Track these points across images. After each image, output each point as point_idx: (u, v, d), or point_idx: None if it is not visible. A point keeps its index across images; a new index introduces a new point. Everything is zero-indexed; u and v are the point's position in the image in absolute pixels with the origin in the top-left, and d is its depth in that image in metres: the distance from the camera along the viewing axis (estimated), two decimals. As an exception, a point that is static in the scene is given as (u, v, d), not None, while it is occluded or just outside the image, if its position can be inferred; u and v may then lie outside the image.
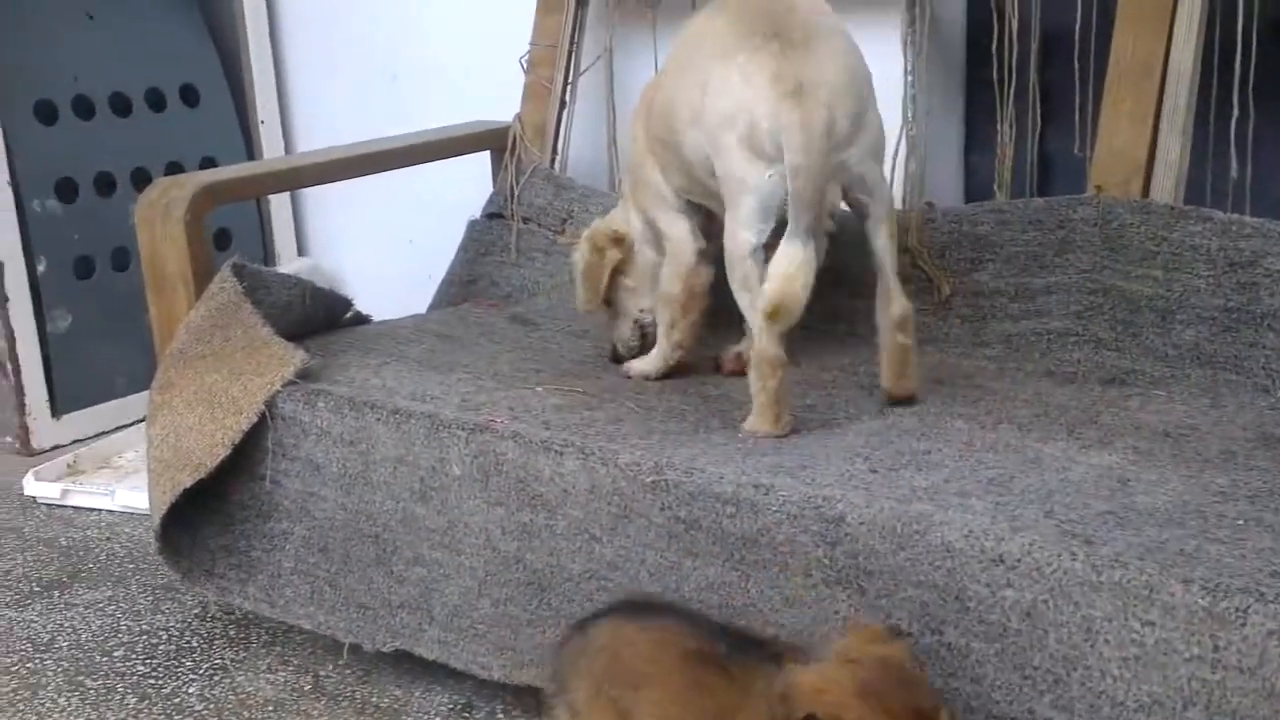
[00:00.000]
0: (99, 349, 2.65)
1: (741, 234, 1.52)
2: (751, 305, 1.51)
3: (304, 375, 1.68)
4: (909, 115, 2.01)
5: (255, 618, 1.81)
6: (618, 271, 1.81)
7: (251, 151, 2.88)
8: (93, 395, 2.65)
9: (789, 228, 1.46)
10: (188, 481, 1.64)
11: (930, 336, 1.81)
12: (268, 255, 2.98)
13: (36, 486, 2.30)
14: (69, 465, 2.41)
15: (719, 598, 1.30)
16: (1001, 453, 1.37)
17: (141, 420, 2.67)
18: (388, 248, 2.87)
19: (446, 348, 1.92)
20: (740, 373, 1.62)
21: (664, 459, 1.36)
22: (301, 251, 3.05)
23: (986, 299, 1.78)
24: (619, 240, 1.80)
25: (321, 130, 2.92)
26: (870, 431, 1.48)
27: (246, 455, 1.67)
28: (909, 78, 2.03)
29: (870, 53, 1.87)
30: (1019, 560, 1.11)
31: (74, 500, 2.29)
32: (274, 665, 1.73)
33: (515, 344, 1.97)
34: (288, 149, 2.93)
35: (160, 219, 1.81)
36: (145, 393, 2.68)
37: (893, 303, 1.58)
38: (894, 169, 2.00)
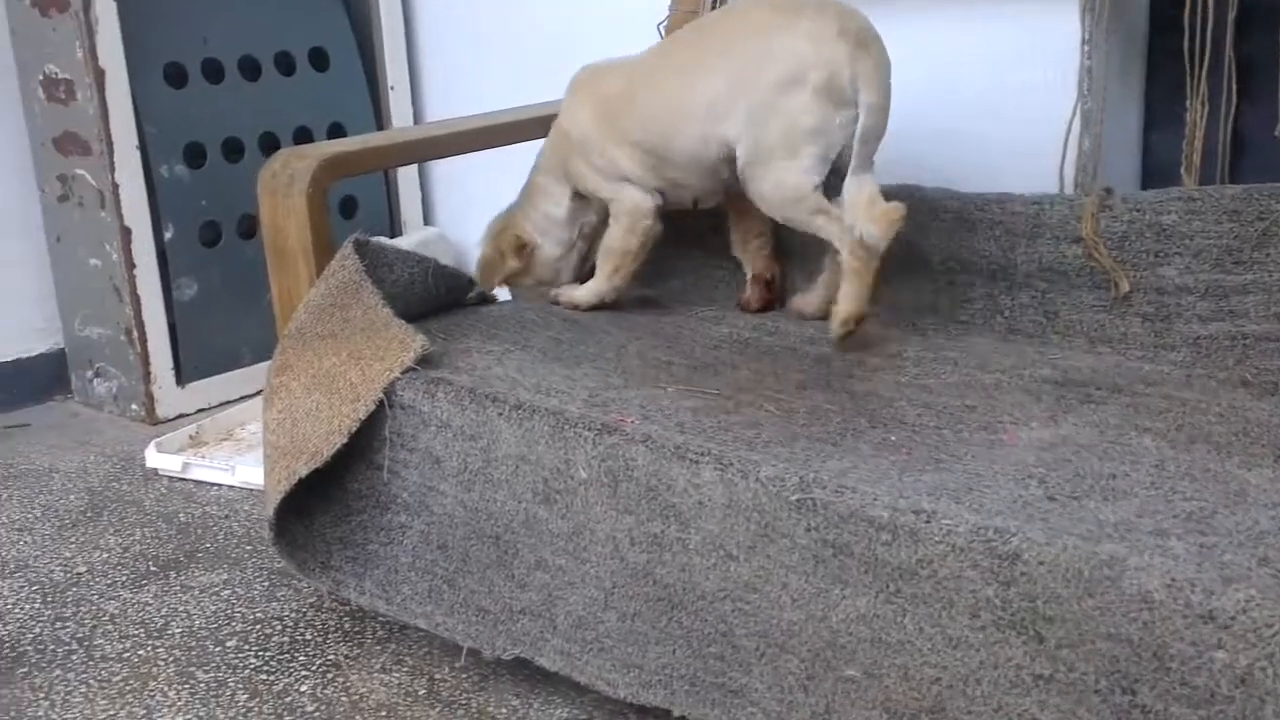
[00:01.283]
0: (224, 318, 2.62)
1: (802, 178, 1.70)
2: (837, 220, 1.69)
3: (424, 361, 1.58)
4: (1085, 88, 1.83)
5: (370, 612, 1.74)
6: (516, 274, 2.01)
7: (380, 118, 2.81)
8: (218, 365, 2.62)
9: (856, 165, 1.68)
10: (303, 470, 1.56)
11: (1105, 336, 1.64)
12: (393, 224, 2.91)
13: (158, 458, 2.27)
14: (191, 437, 2.38)
15: (870, 631, 1.17)
16: (1199, 480, 1.21)
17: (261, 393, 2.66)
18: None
19: (573, 335, 1.81)
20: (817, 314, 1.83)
21: (810, 474, 1.23)
22: (428, 221, 2.98)
23: (1172, 297, 1.60)
24: (520, 249, 1.98)
25: (454, 98, 2.84)
26: (1042, 445, 1.33)
27: (364, 443, 1.59)
28: (1085, 47, 1.84)
29: (1043, 17, 1.72)
30: (1232, 619, 0.96)
31: (195, 474, 2.26)
32: (388, 665, 1.65)
33: (645, 330, 1.85)
34: (417, 116, 2.86)
35: (282, 191, 1.74)
36: (269, 362, 2.70)
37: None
38: (1065, 147, 1.83)
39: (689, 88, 1.78)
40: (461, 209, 2.94)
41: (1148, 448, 1.30)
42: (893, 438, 1.39)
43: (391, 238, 2.87)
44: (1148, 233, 1.63)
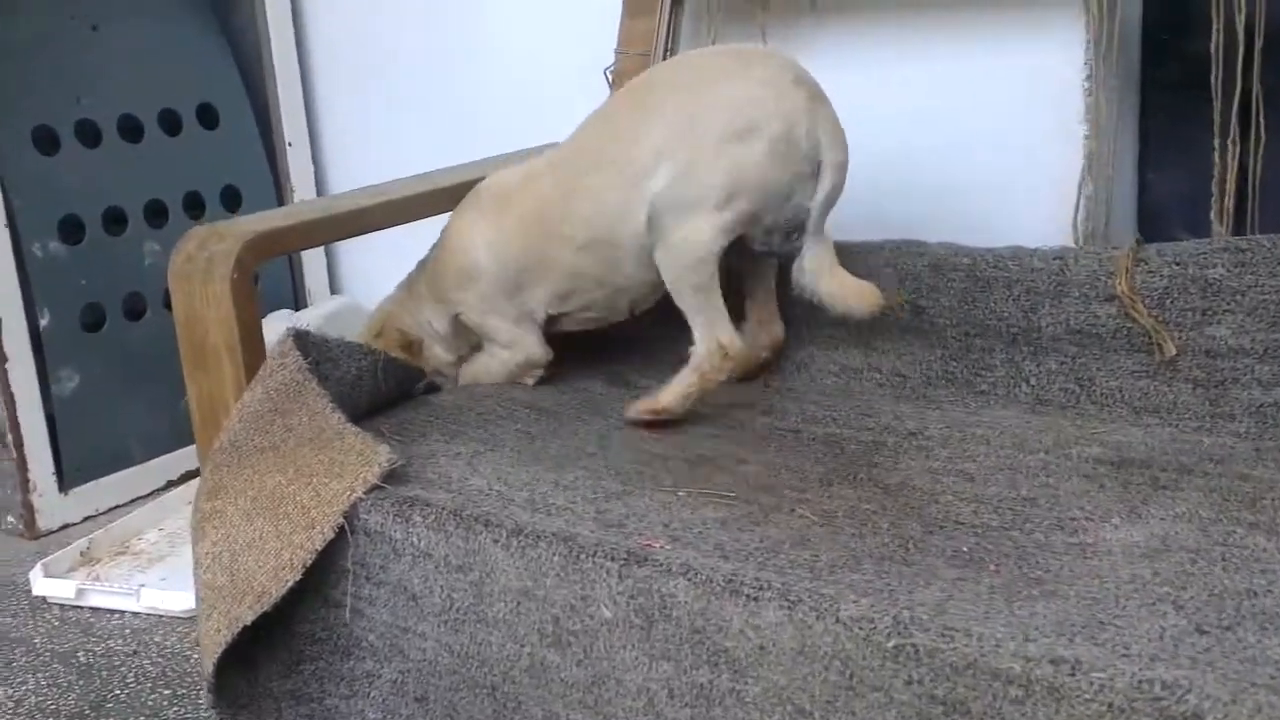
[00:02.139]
0: (111, 411, 2.31)
1: (716, 237, 1.52)
2: (716, 308, 1.56)
3: (390, 476, 1.34)
4: (1090, 128, 1.68)
5: (327, 768, 1.47)
6: None
7: (279, 177, 2.53)
8: (105, 465, 2.31)
9: (815, 227, 1.54)
10: (249, 616, 1.29)
11: (1152, 405, 1.48)
12: (298, 293, 2.64)
13: (46, 584, 1.96)
14: (82, 554, 2.07)
15: (996, 805, 0.97)
16: (1352, 591, 1.04)
17: (163, 489, 2.36)
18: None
19: (545, 427, 1.58)
20: None
21: (903, 611, 1.02)
22: (335, 289, 2.71)
23: (1226, 360, 1.45)
24: (408, 346, 1.76)
25: (354, 153, 2.59)
26: (1142, 550, 1.15)
27: (319, 576, 1.33)
28: (1087, 84, 1.70)
29: (1040, 51, 1.60)
30: None
31: (92, 600, 1.95)
32: (357, 837, 1.39)
33: (622, 418, 1.63)
34: (318, 175, 2.60)
35: (199, 277, 1.47)
36: (164, 458, 2.40)
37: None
38: (1080, 193, 1.67)
39: (631, 153, 1.56)
40: (371, 274, 2.68)
41: (1266, 549, 1.13)
42: (964, 548, 1.19)
43: (297, 309, 2.60)
44: (1192, 288, 1.48)
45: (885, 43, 1.86)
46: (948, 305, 1.63)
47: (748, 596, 1.08)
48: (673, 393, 1.57)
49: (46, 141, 2.19)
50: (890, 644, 1.00)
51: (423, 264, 1.77)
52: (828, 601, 1.05)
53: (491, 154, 1.93)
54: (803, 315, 1.72)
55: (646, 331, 1.85)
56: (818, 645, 1.04)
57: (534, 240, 1.65)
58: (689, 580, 1.11)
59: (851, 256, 1.69)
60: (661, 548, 1.18)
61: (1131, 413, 1.49)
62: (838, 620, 1.03)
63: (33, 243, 2.16)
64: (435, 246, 1.75)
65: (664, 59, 1.91)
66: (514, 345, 1.73)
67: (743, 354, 1.59)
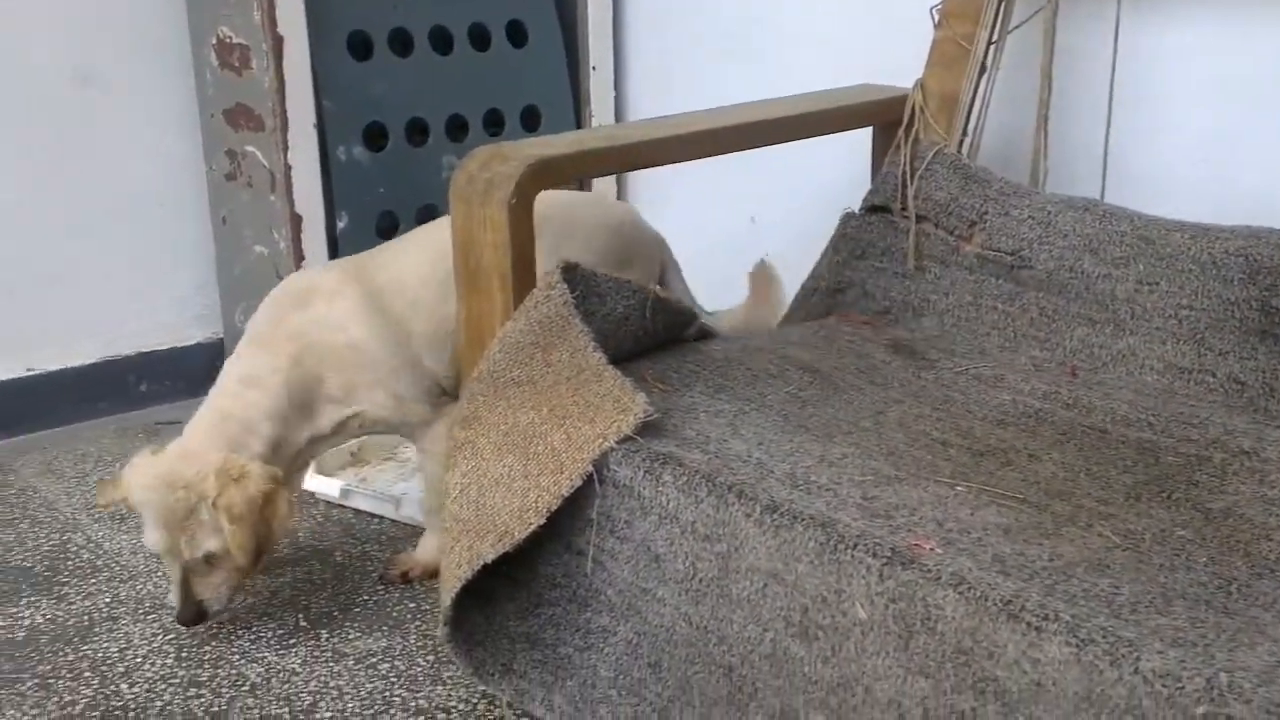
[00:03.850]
0: (396, 318, 2.34)
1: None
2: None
3: (645, 428, 1.26)
4: None
5: (554, 714, 1.43)
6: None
7: (579, 103, 2.49)
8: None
9: None
10: (490, 554, 1.25)
11: None
12: (582, 221, 2.60)
13: (315, 481, 2.00)
14: (352, 454, 2.11)
15: None
16: None
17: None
18: (722, 223, 2.44)
19: (817, 390, 1.47)
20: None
21: (1220, 673, 0.86)
22: (619, 220, 2.65)
23: None
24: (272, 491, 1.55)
25: (656, 82, 2.51)
26: None
27: (564, 521, 1.28)
28: None
29: None
30: None
31: (355, 502, 1.99)
32: (575, 793, 1.34)
33: (904, 390, 1.50)
34: (619, 101, 2.54)
35: (479, 198, 1.42)
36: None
37: None
38: None
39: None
40: (656, 210, 2.60)
41: None
42: (1300, 602, 1.00)
43: (580, 236, 2.56)
44: None
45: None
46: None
47: (1029, 625, 0.94)
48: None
49: (361, 47, 2.21)
50: (1200, 710, 0.84)
51: (234, 382, 1.59)
52: (1126, 647, 0.89)
53: (794, 93, 1.81)
54: (1125, 299, 1.52)
55: (935, 302, 1.70)
56: (1108, 696, 0.89)
57: (424, 306, 1.67)
58: (960, 594, 0.98)
59: (1191, 242, 1.48)
60: (932, 550, 1.05)
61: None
62: (1136, 671, 0.88)
63: (338, 147, 2.20)
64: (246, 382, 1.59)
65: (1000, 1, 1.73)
66: (436, 419, 1.67)
67: None
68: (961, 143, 1.75)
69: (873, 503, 1.15)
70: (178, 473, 1.50)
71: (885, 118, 1.80)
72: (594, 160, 1.52)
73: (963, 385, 1.53)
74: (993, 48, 1.73)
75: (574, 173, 1.62)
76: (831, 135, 1.84)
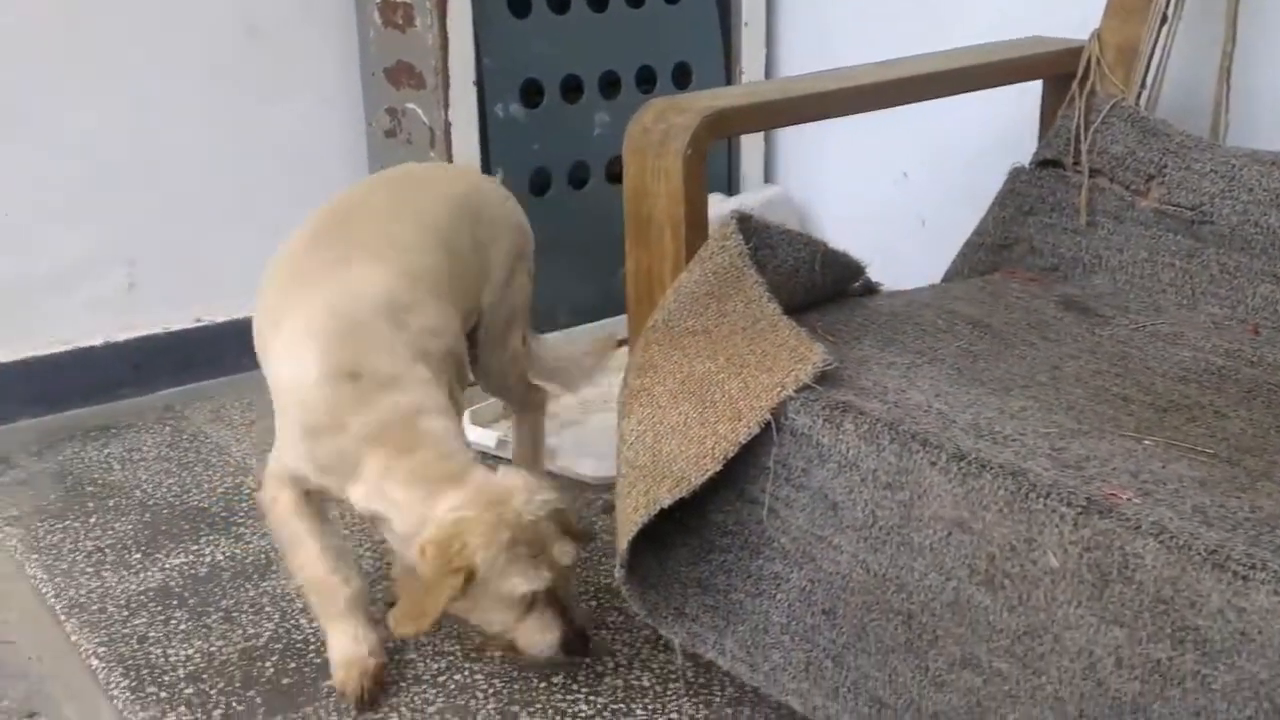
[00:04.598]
0: (544, 274, 2.35)
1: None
2: None
3: (822, 378, 1.26)
4: None
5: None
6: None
7: (730, 60, 2.49)
8: (533, 323, 2.38)
9: None
10: (667, 499, 1.27)
11: None
12: (731, 179, 2.60)
13: (472, 432, 2.05)
14: (504, 407, 2.15)
15: None
16: None
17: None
18: (873, 179, 2.41)
19: (988, 345, 1.45)
20: None
21: None
22: (769, 178, 2.65)
23: None
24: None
25: (807, 40, 2.49)
26: None
27: (739, 470, 1.29)
28: None
29: None
30: None
31: (508, 453, 2.03)
32: (744, 737, 1.36)
33: (1079, 346, 1.47)
34: (769, 59, 2.53)
35: (654, 150, 1.44)
36: (587, 325, 2.45)
37: None
38: None
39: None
40: (807, 167, 2.59)
41: None
42: None
43: (729, 195, 2.57)
44: None
45: None
46: None
47: (1234, 574, 0.92)
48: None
49: (520, 4, 2.24)
50: None
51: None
52: (1341, 598, 0.87)
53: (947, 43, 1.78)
54: (1314, 256, 1.47)
55: (1107, 259, 1.67)
56: (1320, 647, 0.87)
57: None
58: (1162, 543, 0.97)
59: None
60: (1129, 500, 1.03)
61: None
62: (1352, 623, 0.86)
63: (496, 103, 2.23)
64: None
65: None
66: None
67: None
68: (1139, 95, 1.70)
69: (1061, 454, 1.14)
70: (507, 489, 1.37)
71: (1057, 70, 1.76)
72: (767, 112, 1.52)
73: (1140, 342, 1.49)
74: (1174, -2, 1.68)
75: (747, 125, 1.63)
76: (984, 91, 1.81)
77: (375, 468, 1.35)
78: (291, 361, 1.40)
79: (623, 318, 1.77)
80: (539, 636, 1.37)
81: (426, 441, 1.37)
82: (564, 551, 1.38)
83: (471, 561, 1.30)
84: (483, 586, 1.32)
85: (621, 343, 1.72)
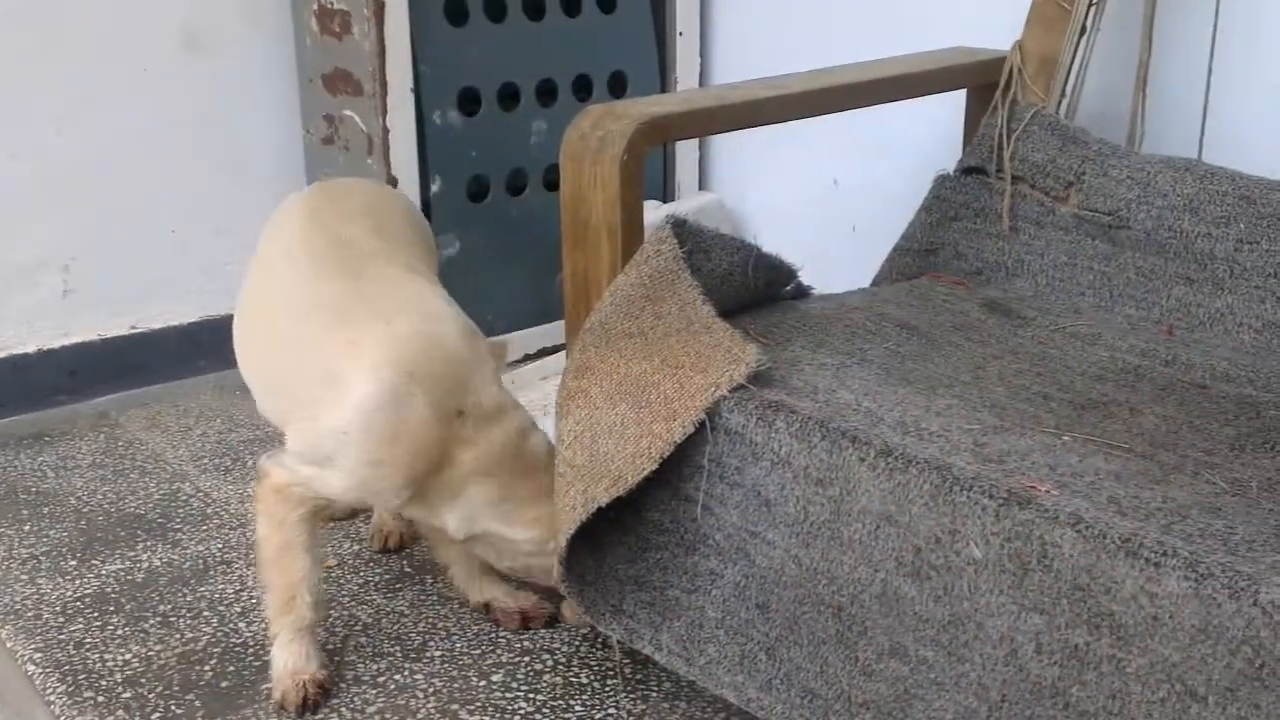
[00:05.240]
0: (481, 282, 2.39)
1: None
2: None
3: (755, 378, 1.29)
4: None
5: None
6: None
7: (664, 69, 2.52)
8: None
9: None
10: (604, 498, 1.29)
11: None
12: (667, 187, 2.64)
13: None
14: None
15: None
16: None
17: (519, 362, 2.43)
18: (804, 187, 2.46)
19: (916, 347, 1.49)
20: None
21: (1339, 606, 0.88)
22: (703, 185, 2.69)
23: None
24: None
25: (741, 49, 2.53)
26: None
27: (673, 469, 1.32)
28: None
29: None
30: None
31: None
32: (681, 731, 1.39)
33: (1002, 347, 1.52)
34: (703, 69, 2.57)
35: (591, 156, 1.46)
36: (524, 332, 2.48)
37: None
38: None
39: None
40: (741, 175, 2.64)
41: None
42: None
43: (664, 202, 2.60)
44: None
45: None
46: None
47: (1147, 560, 0.97)
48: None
49: (457, 13, 2.25)
50: (1319, 642, 0.87)
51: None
52: (1245, 580, 0.92)
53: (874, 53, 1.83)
54: (1225, 258, 1.54)
55: (1029, 263, 1.72)
56: (1226, 626, 0.92)
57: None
58: (1078, 532, 1.01)
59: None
60: (1048, 492, 1.08)
61: None
62: (1255, 603, 0.91)
63: (433, 110, 2.24)
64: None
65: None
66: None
67: None
68: (1059, 104, 1.76)
69: (984, 449, 1.18)
70: None
71: (980, 79, 1.81)
72: (703, 119, 1.55)
73: (1059, 342, 1.55)
74: (1093, 9, 1.74)
75: (682, 131, 1.66)
76: (913, 99, 1.86)
77: (489, 494, 1.41)
78: (376, 398, 1.37)
79: (559, 323, 1.79)
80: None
81: (539, 465, 1.44)
82: None
83: None
84: None
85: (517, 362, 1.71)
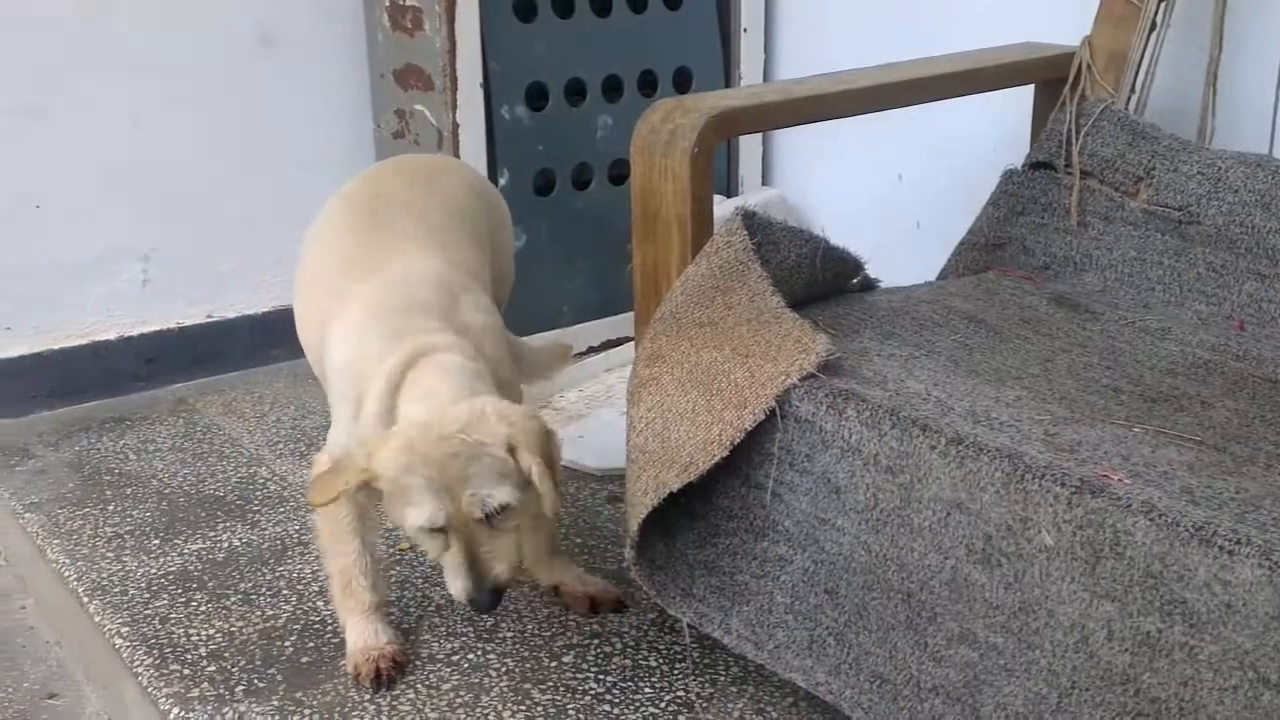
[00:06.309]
0: (548, 274, 2.43)
1: None
2: None
3: (825, 368, 1.31)
4: None
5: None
6: None
7: (728, 65, 2.54)
8: (536, 323, 2.42)
9: None
10: (675, 483, 1.32)
11: None
12: (730, 182, 2.66)
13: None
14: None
15: None
16: None
17: (585, 354, 2.47)
18: (868, 182, 2.47)
19: (983, 339, 1.51)
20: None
21: None
22: (767, 181, 2.71)
23: None
24: None
25: (806, 46, 2.54)
26: None
27: (744, 456, 1.34)
28: None
29: None
30: None
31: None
32: (747, 713, 1.41)
33: (1070, 341, 1.53)
34: (767, 65, 2.58)
35: (661, 149, 1.49)
36: (590, 324, 2.51)
37: None
38: None
39: None
40: (804, 170, 2.65)
41: None
42: None
43: (728, 197, 2.62)
44: None
45: None
46: None
47: (1220, 549, 0.98)
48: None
49: (525, 9, 2.29)
50: (1393, 630, 0.88)
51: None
52: (1318, 569, 0.93)
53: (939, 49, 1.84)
54: (1296, 255, 1.54)
55: (1097, 258, 1.72)
56: (1298, 615, 0.93)
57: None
58: (1151, 520, 1.02)
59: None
60: (1120, 481, 1.09)
61: None
62: (1328, 592, 0.92)
63: (501, 105, 2.28)
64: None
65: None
66: None
67: None
68: (1129, 99, 1.76)
69: (1055, 439, 1.19)
70: (449, 418, 1.33)
71: (1048, 75, 1.82)
72: (770, 113, 1.57)
73: (1129, 337, 1.55)
74: (1163, 6, 1.74)
75: (750, 125, 1.68)
76: (979, 95, 1.87)
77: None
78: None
79: (624, 316, 1.81)
80: (448, 578, 1.36)
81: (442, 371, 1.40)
82: (472, 502, 1.31)
83: (372, 470, 1.32)
84: (388, 503, 1.35)
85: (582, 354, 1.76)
